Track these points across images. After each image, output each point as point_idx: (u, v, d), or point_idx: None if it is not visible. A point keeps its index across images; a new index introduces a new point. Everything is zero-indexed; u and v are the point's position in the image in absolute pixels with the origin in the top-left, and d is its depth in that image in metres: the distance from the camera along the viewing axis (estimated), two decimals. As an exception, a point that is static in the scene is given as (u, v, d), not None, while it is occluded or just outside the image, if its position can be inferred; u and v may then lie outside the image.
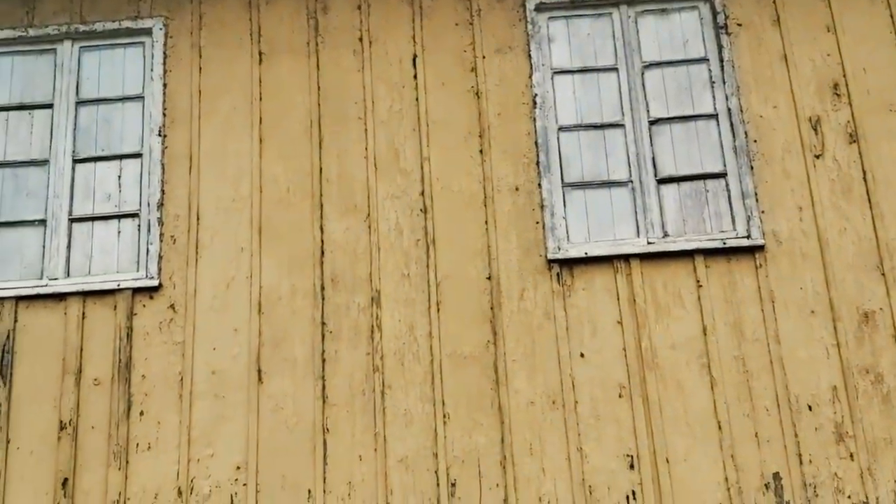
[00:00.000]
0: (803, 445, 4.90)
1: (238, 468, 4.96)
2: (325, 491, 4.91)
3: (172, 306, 5.26)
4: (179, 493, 4.92)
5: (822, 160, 5.38)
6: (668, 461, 4.90)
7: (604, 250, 5.27)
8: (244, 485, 4.93)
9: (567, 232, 5.37)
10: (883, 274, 5.16)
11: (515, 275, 5.26)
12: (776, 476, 4.86)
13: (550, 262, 5.27)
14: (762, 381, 5.01)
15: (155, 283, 5.27)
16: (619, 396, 5.02)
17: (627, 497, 4.86)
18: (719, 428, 4.94)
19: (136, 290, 5.28)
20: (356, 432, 5.01)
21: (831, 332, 5.08)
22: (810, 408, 4.96)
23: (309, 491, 4.91)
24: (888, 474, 4.83)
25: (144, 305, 5.26)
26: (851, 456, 4.88)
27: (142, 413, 5.06)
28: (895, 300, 5.10)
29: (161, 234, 5.39)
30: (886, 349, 5.02)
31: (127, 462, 4.98)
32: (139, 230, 5.44)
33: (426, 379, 5.09)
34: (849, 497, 4.82)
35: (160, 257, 5.34)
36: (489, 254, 5.31)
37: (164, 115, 5.63)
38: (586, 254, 5.26)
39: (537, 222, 5.36)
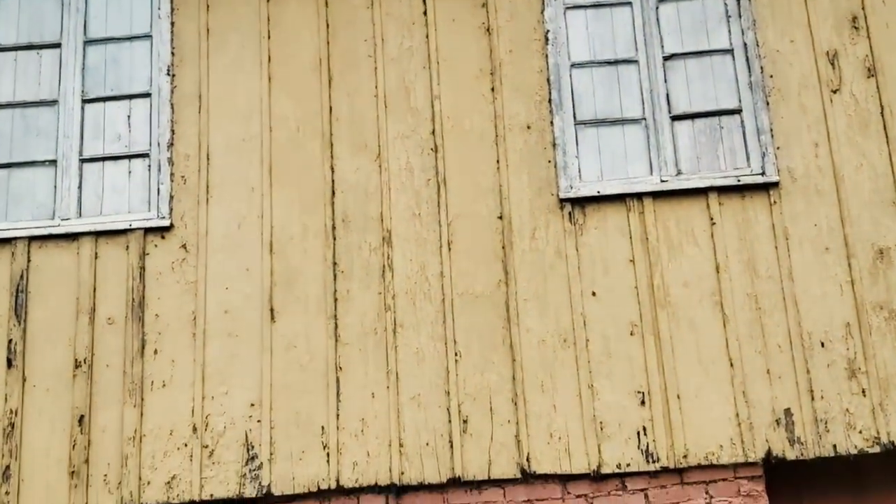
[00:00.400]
0: (815, 382, 4.90)
1: (252, 405, 5.01)
2: (338, 427, 4.96)
3: (184, 246, 5.26)
4: (194, 429, 4.97)
5: (840, 95, 5.30)
6: (679, 398, 4.91)
7: (616, 189, 5.23)
8: (258, 421, 4.98)
9: (579, 170, 5.32)
10: (899, 210, 5.12)
11: (527, 214, 5.24)
12: (787, 412, 4.87)
13: (562, 200, 5.24)
14: (775, 318, 5.00)
15: (166, 222, 5.27)
16: (631, 334, 5.02)
17: (638, 433, 4.88)
18: (731, 365, 4.94)
19: (148, 230, 5.28)
20: (369, 370, 5.04)
21: (845, 269, 5.05)
22: (823, 344, 4.95)
23: (322, 427, 4.96)
24: (900, 410, 4.84)
25: (156, 245, 5.27)
26: (864, 392, 4.88)
27: (156, 351, 5.10)
28: (911, 237, 5.07)
29: (171, 174, 5.38)
30: (901, 286, 5.01)
31: (142, 399, 5.03)
32: (149, 170, 5.43)
33: (438, 318, 5.10)
34: (860, 433, 4.83)
35: (171, 197, 5.34)
36: (501, 193, 5.27)
37: (173, 54, 5.58)
38: (599, 192, 5.22)
39: (549, 161, 5.31)
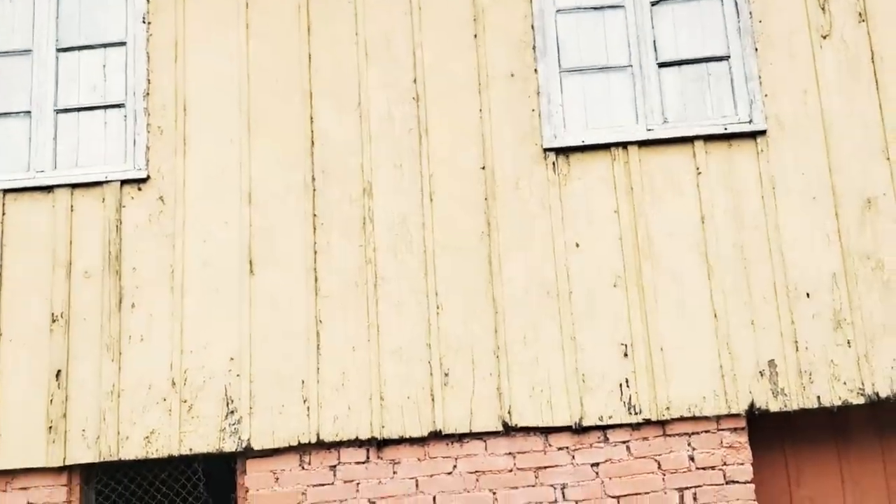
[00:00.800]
0: (800, 332, 4.84)
1: (231, 359, 4.95)
2: (318, 381, 4.91)
3: (161, 198, 5.17)
4: (173, 383, 4.93)
5: (830, 41, 5.16)
6: (662, 350, 4.85)
7: (601, 138, 5.12)
8: (238, 375, 4.93)
9: (564, 119, 5.21)
10: (888, 159, 5.00)
11: (510, 164, 5.14)
12: (771, 363, 4.82)
13: (546, 150, 5.13)
14: (760, 268, 4.92)
15: (143, 174, 5.18)
16: (615, 286, 4.95)
17: (621, 385, 4.83)
18: (715, 316, 4.88)
19: (125, 182, 5.19)
20: (349, 323, 4.98)
21: (832, 219, 4.96)
22: (808, 295, 4.88)
23: (302, 381, 4.91)
24: (885, 361, 4.78)
25: (133, 197, 5.18)
26: (849, 343, 4.82)
27: (133, 305, 5.04)
28: (900, 186, 4.98)
29: (148, 125, 5.27)
30: (888, 235, 4.91)
31: (120, 354, 4.98)
32: (125, 121, 5.32)
33: (419, 270, 5.03)
34: (844, 384, 4.78)
35: (147, 148, 5.24)
36: (483, 142, 5.17)
37: (148, 1, 5.44)
38: (583, 141, 5.12)
39: (533, 109, 5.20)
